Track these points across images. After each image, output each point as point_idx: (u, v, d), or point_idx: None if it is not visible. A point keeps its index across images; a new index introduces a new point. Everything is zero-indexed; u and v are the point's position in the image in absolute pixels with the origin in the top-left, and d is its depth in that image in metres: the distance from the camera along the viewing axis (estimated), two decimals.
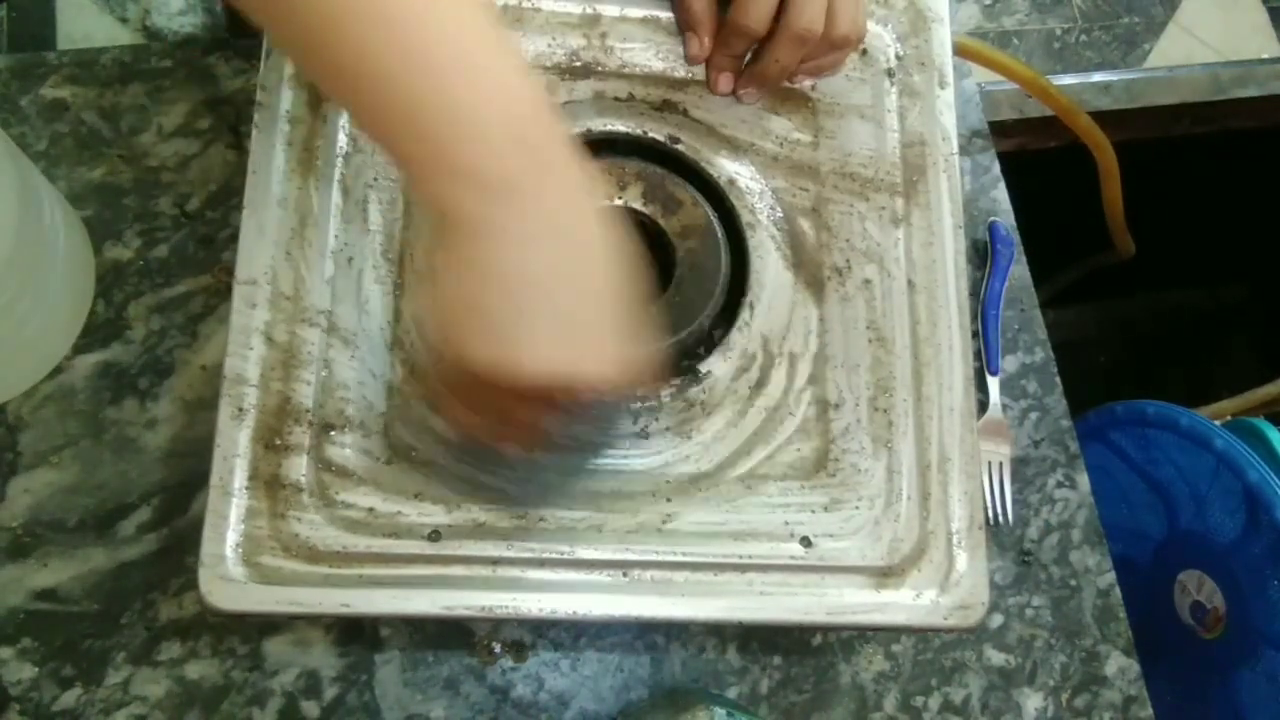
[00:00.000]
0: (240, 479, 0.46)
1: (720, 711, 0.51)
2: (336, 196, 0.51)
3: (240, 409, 0.47)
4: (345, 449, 0.48)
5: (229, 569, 0.45)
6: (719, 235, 0.53)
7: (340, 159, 0.51)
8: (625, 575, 0.47)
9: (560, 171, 0.38)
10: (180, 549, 0.55)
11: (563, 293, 0.38)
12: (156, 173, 0.61)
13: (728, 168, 0.54)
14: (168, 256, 0.60)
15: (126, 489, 0.55)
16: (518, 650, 0.56)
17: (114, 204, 0.60)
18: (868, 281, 0.54)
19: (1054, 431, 0.67)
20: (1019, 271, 0.70)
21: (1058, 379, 0.68)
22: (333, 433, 0.48)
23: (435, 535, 0.47)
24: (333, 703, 0.54)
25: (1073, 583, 0.64)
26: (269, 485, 0.46)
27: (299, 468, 0.47)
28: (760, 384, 0.52)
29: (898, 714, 0.59)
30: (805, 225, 0.54)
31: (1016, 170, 0.77)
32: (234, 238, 0.60)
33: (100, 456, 0.56)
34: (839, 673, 0.59)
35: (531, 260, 0.37)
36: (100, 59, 0.62)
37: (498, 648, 0.56)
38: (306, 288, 0.49)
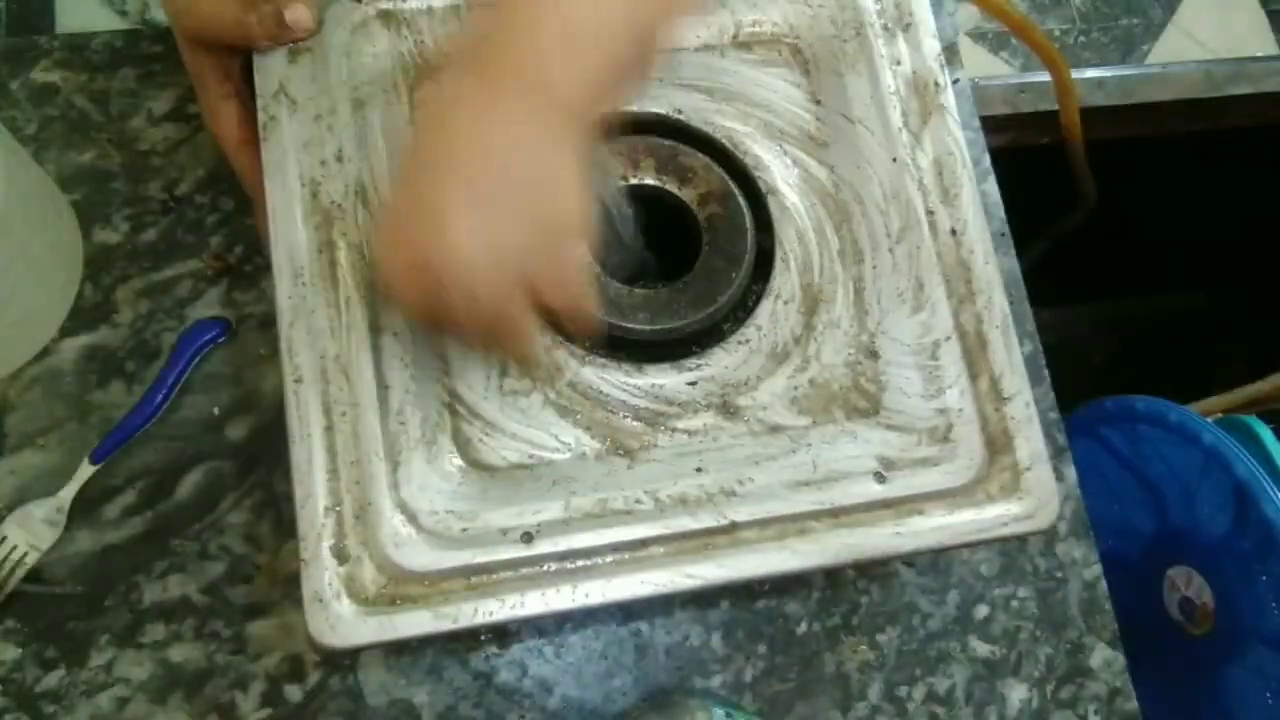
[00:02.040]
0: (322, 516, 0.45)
1: (719, 712, 0.51)
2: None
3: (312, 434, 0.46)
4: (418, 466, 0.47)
5: (331, 606, 0.44)
6: (739, 196, 0.53)
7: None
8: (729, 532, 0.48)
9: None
10: (164, 532, 0.55)
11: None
12: (146, 157, 0.61)
13: (734, 128, 0.55)
14: (156, 241, 0.60)
15: (111, 471, 0.56)
16: (501, 636, 0.56)
17: (103, 188, 0.60)
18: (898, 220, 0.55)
19: (1042, 424, 0.67)
20: (1009, 264, 0.70)
21: (1045, 371, 0.68)
22: (401, 453, 0.47)
23: (527, 537, 0.46)
24: (316, 687, 0.54)
25: (1059, 575, 0.64)
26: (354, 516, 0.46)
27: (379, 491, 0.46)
28: (805, 337, 0.52)
29: (882, 704, 0.59)
30: (821, 170, 0.54)
31: (1008, 164, 0.77)
32: (223, 222, 0.60)
33: (86, 439, 0.56)
34: (823, 662, 0.59)
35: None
36: (91, 44, 0.63)
37: (482, 634, 0.56)
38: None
